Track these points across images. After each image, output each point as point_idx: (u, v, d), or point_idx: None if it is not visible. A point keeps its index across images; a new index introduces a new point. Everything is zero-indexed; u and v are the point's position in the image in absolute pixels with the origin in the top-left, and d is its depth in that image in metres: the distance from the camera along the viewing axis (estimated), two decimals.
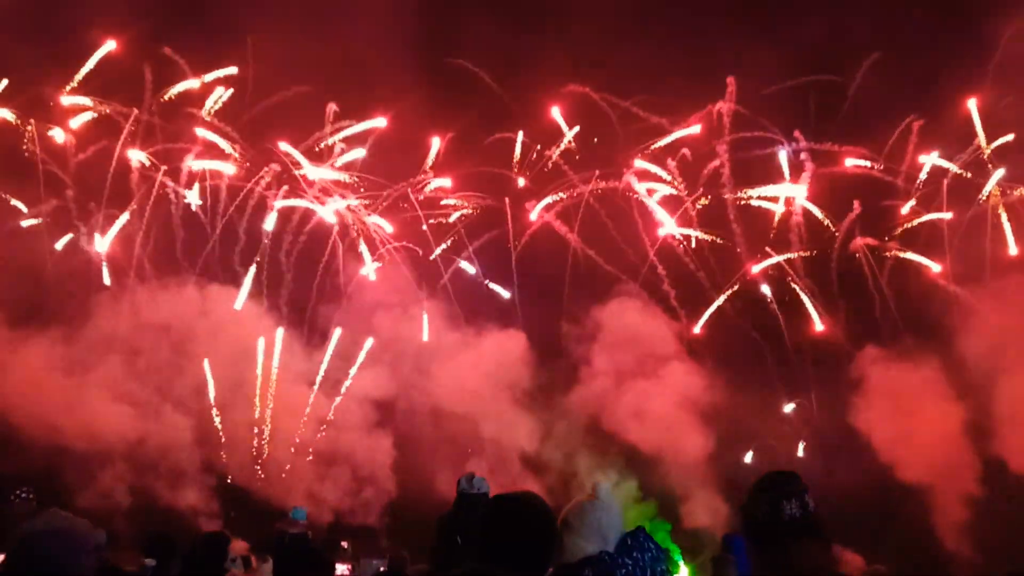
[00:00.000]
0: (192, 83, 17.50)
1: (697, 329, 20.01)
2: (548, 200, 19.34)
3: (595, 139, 19.25)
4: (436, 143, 18.93)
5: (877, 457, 18.09)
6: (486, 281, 19.75)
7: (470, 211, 19.18)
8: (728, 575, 9.01)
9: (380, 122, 18.40)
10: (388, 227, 18.91)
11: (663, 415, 18.70)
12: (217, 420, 18.41)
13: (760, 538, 3.23)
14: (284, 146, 18.21)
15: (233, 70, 17.68)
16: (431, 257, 19.33)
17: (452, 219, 19.16)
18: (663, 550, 3.81)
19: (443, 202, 19.22)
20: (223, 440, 18.52)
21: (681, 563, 17.81)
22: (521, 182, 19.41)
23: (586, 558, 3.65)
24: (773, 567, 3.18)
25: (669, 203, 19.84)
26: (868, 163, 19.76)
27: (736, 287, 20.18)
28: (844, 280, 20.34)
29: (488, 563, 3.46)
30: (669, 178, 19.47)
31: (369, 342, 18.58)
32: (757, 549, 3.26)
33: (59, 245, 17.39)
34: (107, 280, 17.72)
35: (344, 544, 16.61)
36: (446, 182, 19.04)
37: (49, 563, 3.43)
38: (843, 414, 18.70)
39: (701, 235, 19.86)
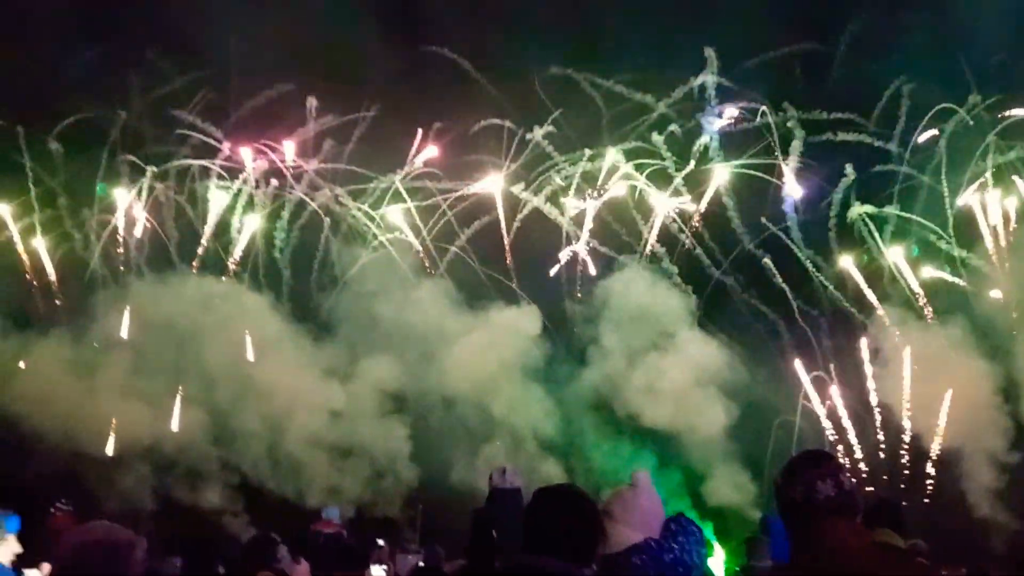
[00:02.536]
0: (175, 84, 17.80)
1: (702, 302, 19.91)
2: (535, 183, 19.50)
3: (579, 120, 19.20)
4: (420, 133, 19.08)
5: (902, 426, 18.02)
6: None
7: (459, 197, 19.26)
8: (763, 557, 8.64)
9: (363, 115, 18.59)
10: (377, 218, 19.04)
11: (679, 391, 18.65)
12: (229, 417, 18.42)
13: (796, 519, 3.24)
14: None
15: (214, 71, 17.95)
16: (424, 240, 19.38)
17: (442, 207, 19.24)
18: (703, 532, 3.89)
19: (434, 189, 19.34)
20: (237, 437, 18.53)
21: (716, 544, 17.64)
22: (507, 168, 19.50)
23: (632, 546, 3.69)
24: (810, 548, 3.19)
25: (659, 180, 19.84)
26: (859, 130, 19.64)
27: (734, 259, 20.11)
28: (846, 247, 20.17)
29: (532, 555, 3.47)
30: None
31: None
32: (793, 530, 3.27)
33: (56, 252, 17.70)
34: (106, 283, 17.97)
35: (380, 541, 16.45)
36: (433, 171, 19.19)
37: (99, 574, 3.47)
38: (863, 384, 18.60)
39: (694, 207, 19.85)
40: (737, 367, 18.96)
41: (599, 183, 19.50)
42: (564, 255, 19.79)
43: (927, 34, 18.32)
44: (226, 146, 18.42)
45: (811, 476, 3.23)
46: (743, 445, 18.97)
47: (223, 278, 18.97)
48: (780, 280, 20.11)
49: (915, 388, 18.61)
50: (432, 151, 19.18)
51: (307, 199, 18.69)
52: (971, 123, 19.65)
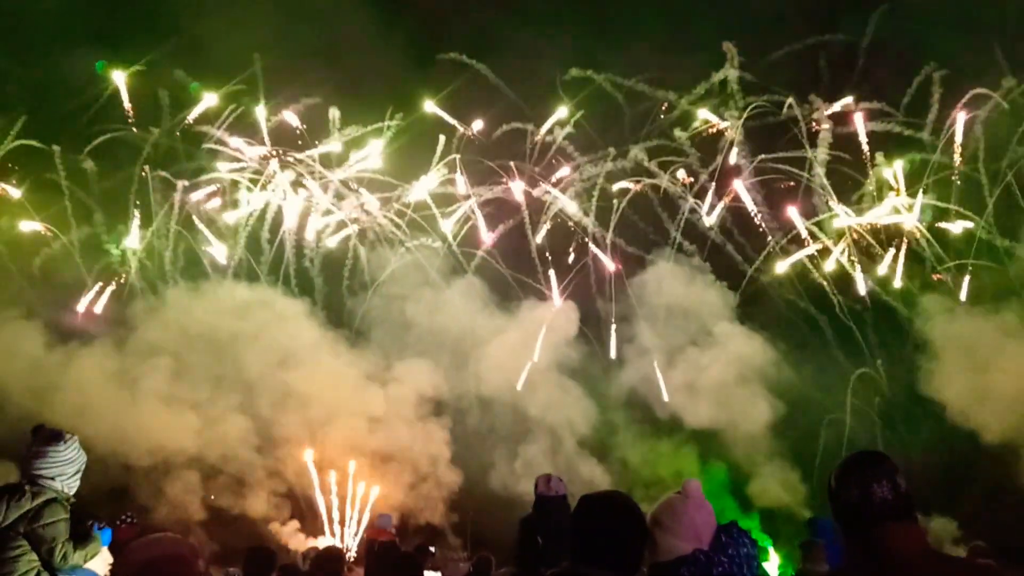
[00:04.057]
0: (206, 102, 18.29)
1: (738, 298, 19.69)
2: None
3: (599, 122, 19.20)
4: (442, 140, 19.31)
5: (954, 420, 17.32)
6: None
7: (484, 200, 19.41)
8: (820, 561, 8.59)
9: (387, 124, 18.87)
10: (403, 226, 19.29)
11: (720, 387, 18.46)
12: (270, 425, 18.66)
13: (851, 523, 3.15)
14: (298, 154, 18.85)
15: (243, 87, 18.47)
16: (451, 245, 19.55)
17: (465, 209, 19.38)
18: (757, 544, 3.77)
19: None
20: (279, 445, 18.81)
21: (771, 550, 17.11)
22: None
23: (681, 557, 3.59)
24: (867, 552, 3.10)
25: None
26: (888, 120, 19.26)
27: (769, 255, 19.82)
28: (884, 237, 19.75)
29: (580, 563, 3.44)
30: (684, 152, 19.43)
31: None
32: (849, 534, 3.18)
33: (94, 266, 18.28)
34: (140, 293, 18.46)
35: (432, 549, 16.48)
36: (458, 177, 19.38)
37: None
38: (913, 378, 18.02)
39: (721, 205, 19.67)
40: (780, 362, 18.60)
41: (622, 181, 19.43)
42: (590, 254, 19.81)
43: (956, 19, 17.90)
44: (255, 159, 18.82)
45: (866, 478, 3.13)
46: (791, 443, 18.61)
47: (257, 287, 19.27)
48: (818, 276, 19.83)
49: (966, 380, 17.83)
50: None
51: (334, 208, 18.97)
52: (1006, 107, 19.14)
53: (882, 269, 19.61)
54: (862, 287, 19.60)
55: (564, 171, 19.65)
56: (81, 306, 18.24)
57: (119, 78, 17.98)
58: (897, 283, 19.51)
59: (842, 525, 3.19)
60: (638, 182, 19.41)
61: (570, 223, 19.84)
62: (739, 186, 19.53)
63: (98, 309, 18.27)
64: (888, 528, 3.06)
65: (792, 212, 19.59)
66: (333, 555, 7.28)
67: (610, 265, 19.80)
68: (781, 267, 19.71)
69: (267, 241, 18.98)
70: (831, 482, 3.22)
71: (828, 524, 8.47)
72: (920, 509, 3.34)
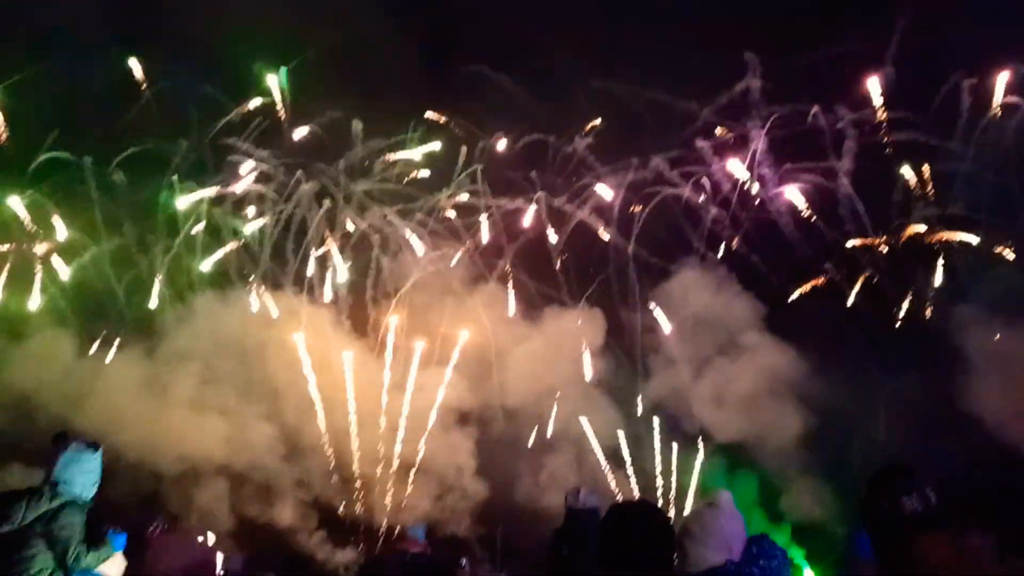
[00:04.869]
0: (232, 115, 18.66)
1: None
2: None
3: (622, 132, 19.19)
4: (464, 151, 19.42)
5: (994, 436, 16.62)
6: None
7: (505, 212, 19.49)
8: None
9: (410, 136, 19.04)
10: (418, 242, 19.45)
11: (749, 398, 18.23)
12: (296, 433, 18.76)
13: (883, 535, 3.15)
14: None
15: (268, 100, 18.80)
16: (475, 252, 19.65)
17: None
18: (788, 556, 3.82)
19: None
20: (304, 455, 18.92)
21: (807, 569, 16.56)
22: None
23: (711, 568, 3.66)
24: (899, 564, 3.07)
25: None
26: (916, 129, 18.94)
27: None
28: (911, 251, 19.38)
29: (610, 572, 3.45)
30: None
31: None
32: (880, 546, 3.18)
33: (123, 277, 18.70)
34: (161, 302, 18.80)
35: (463, 561, 16.54)
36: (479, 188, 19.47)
37: None
38: (949, 394, 17.19)
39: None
40: (811, 374, 18.21)
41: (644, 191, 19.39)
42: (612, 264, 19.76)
43: (982, 26, 17.59)
44: (279, 171, 19.12)
45: (896, 491, 3.12)
46: (824, 456, 18.15)
47: (281, 296, 19.52)
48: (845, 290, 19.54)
49: (1002, 393, 17.45)
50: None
51: (355, 221, 19.19)
52: None
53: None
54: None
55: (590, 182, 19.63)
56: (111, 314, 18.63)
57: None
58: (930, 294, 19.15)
59: (873, 539, 3.19)
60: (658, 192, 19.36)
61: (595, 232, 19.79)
62: (791, 192, 19.20)
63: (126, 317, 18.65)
64: (918, 540, 3.03)
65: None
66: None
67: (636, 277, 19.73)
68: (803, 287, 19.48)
69: (291, 252, 19.20)
70: (862, 494, 3.26)
71: (867, 539, 8.27)
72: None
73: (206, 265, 19.11)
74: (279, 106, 18.97)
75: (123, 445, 16.11)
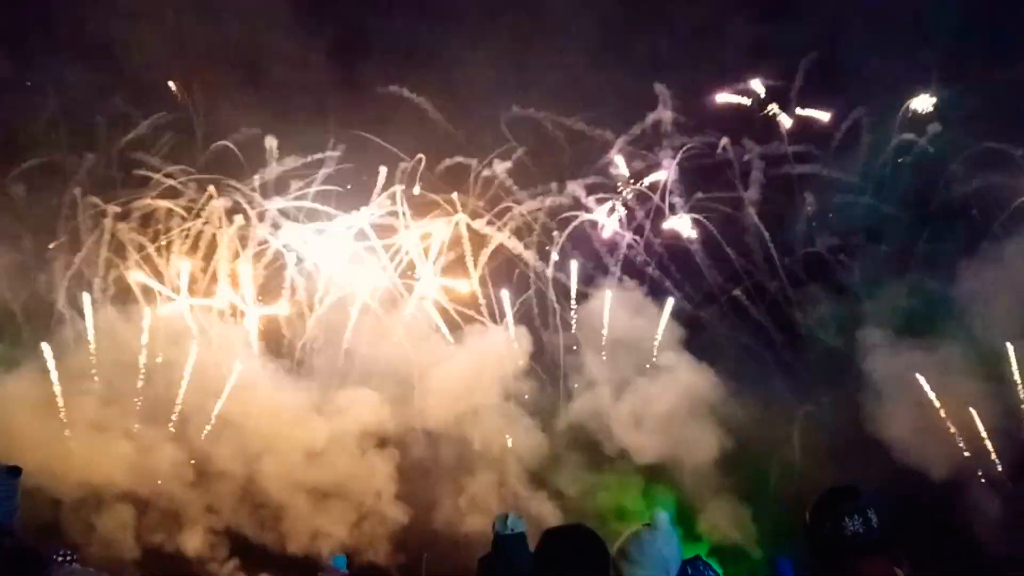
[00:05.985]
0: (141, 128, 18.09)
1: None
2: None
3: (540, 158, 19.48)
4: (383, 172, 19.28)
5: (902, 457, 17.08)
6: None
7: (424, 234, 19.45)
8: None
9: (328, 154, 18.83)
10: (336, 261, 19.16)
11: (667, 419, 18.45)
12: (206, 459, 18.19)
13: (824, 556, 3.20)
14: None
15: (180, 115, 18.30)
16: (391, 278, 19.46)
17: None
18: None
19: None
20: (215, 480, 18.34)
21: None
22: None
23: None
24: None
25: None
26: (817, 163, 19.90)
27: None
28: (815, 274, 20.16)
29: None
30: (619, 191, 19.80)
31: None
32: (821, 567, 3.22)
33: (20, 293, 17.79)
34: (71, 322, 18.02)
35: None
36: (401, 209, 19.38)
37: None
38: (858, 415, 17.71)
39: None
40: (727, 396, 18.61)
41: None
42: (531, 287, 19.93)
43: (886, 64, 18.61)
44: (189, 187, 18.60)
45: (838, 512, 3.18)
46: (740, 479, 18.60)
47: (191, 315, 18.92)
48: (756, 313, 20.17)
49: (915, 414, 17.86)
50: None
51: (270, 237, 18.80)
52: (931, 151, 19.89)
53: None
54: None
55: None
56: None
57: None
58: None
59: (815, 558, 3.26)
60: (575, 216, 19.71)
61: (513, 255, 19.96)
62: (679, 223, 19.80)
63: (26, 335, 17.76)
64: (859, 561, 3.11)
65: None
66: None
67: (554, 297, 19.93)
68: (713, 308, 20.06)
69: (201, 270, 18.66)
70: (806, 515, 3.30)
71: (788, 562, 8.65)
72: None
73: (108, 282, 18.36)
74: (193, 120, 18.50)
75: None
